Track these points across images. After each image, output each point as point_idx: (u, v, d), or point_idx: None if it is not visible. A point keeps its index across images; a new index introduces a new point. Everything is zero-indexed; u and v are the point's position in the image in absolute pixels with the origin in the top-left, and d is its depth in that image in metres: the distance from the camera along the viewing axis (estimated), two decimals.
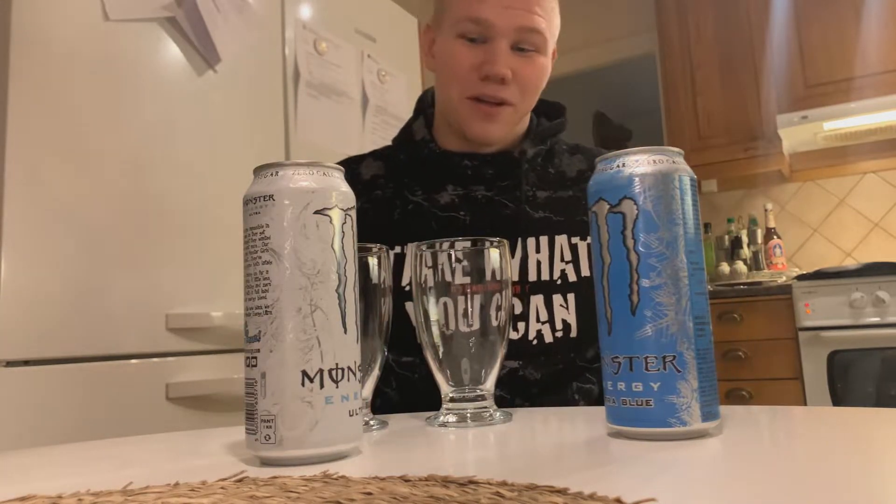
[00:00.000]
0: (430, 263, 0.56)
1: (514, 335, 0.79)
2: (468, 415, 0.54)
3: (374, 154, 0.95)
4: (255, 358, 0.41)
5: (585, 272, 0.82)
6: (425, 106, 0.93)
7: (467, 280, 0.55)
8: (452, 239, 0.56)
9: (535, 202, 0.86)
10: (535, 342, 0.80)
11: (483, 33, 0.81)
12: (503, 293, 0.56)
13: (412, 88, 2.00)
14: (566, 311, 0.81)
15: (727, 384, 2.38)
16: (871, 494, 0.29)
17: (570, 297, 0.82)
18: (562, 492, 0.29)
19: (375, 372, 0.57)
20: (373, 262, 0.57)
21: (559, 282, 0.82)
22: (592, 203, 0.46)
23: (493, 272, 0.56)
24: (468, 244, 0.56)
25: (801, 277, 2.39)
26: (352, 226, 0.44)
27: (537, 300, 0.81)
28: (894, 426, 0.45)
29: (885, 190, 2.78)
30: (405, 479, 0.33)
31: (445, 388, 0.56)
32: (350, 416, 0.42)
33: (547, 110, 0.94)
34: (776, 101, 2.68)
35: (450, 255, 0.56)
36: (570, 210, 0.86)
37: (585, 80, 3.71)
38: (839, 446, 0.40)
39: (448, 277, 0.56)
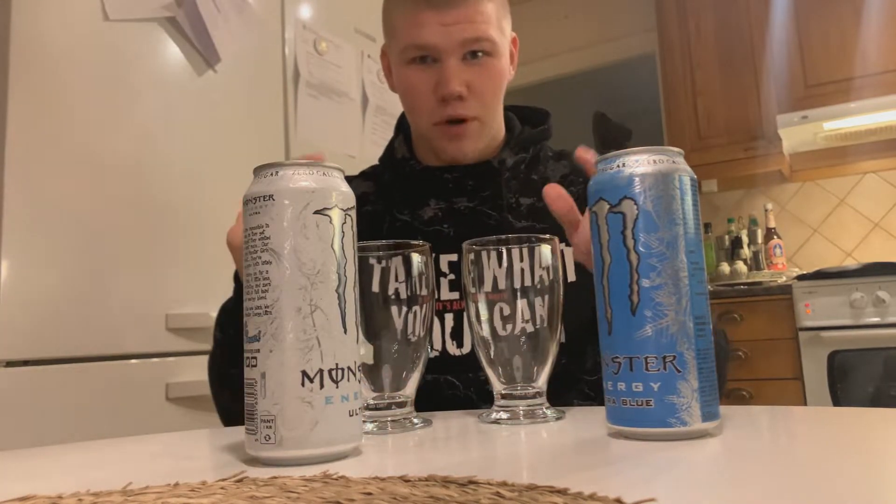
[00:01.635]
0: (478, 263, 0.57)
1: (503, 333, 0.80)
2: (521, 412, 0.54)
3: (363, 174, 0.96)
4: (255, 358, 0.41)
5: (571, 277, 0.81)
6: (405, 124, 0.94)
7: (517, 278, 0.56)
8: (502, 236, 0.57)
9: (517, 211, 0.85)
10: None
11: (431, 54, 0.81)
12: (553, 290, 0.56)
13: None
14: (543, 310, 0.81)
15: (727, 384, 2.38)
16: (871, 494, 0.29)
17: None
18: (562, 492, 0.29)
19: (419, 370, 0.57)
20: (417, 257, 0.57)
21: (539, 287, 0.83)
22: (592, 203, 0.46)
23: (544, 269, 0.56)
24: (518, 241, 0.57)
25: (801, 277, 2.39)
26: (352, 226, 0.44)
27: (522, 303, 0.81)
28: (894, 426, 0.45)
29: (885, 190, 2.78)
30: (405, 479, 0.33)
31: (498, 386, 0.56)
32: (350, 416, 0.41)
33: (531, 117, 0.94)
34: (776, 101, 2.68)
35: (499, 253, 0.56)
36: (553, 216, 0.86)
37: (585, 80, 3.71)
38: (839, 446, 0.40)
39: (496, 275, 0.56)
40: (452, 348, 0.79)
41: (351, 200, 0.44)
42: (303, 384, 0.40)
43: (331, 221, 0.42)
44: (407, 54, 0.83)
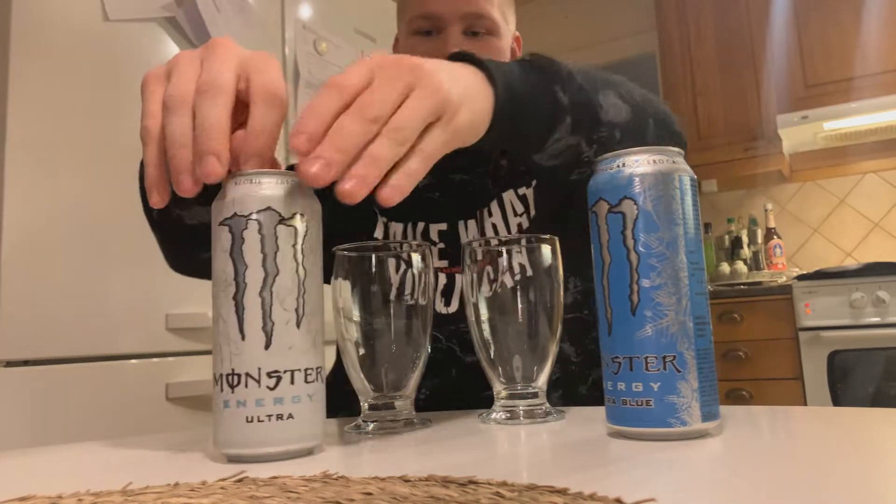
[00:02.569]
0: (479, 260, 0.57)
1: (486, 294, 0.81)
2: (521, 412, 0.54)
3: None
4: None
5: (534, 213, 0.82)
6: None
7: (517, 277, 0.56)
8: (503, 237, 0.57)
9: (497, 177, 0.86)
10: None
11: (435, 25, 0.85)
12: (553, 289, 0.56)
13: None
14: (521, 256, 0.82)
15: (727, 384, 2.38)
16: (871, 494, 0.29)
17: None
18: (562, 492, 0.29)
19: (419, 369, 0.57)
20: (416, 257, 0.57)
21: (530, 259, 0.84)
22: (592, 203, 0.46)
23: (544, 269, 0.56)
24: (518, 241, 0.57)
25: (801, 277, 2.39)
26: (258, 229, 0.43)
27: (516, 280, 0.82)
28: (894, 426, 0.45)
29: (885, 190, 2.78)
30: (405, 479, 0.33)
31: (498, 386, 0.56)
32: (248, 421, 0.42)
33: None
34: (776, 101, 2.68)
35: (499, 252, 0.56)
36: (514, 166, 0.86)
37: None
38: (839, 446, 0.40)
39: (497, 274, 0.56)
40: (440, 305, 0.80)
41: (253, 205, 0.44)
42: (213, 387, 0.43)
43: (230, 231, 0.43)
44: (413, 25, 0.87)
